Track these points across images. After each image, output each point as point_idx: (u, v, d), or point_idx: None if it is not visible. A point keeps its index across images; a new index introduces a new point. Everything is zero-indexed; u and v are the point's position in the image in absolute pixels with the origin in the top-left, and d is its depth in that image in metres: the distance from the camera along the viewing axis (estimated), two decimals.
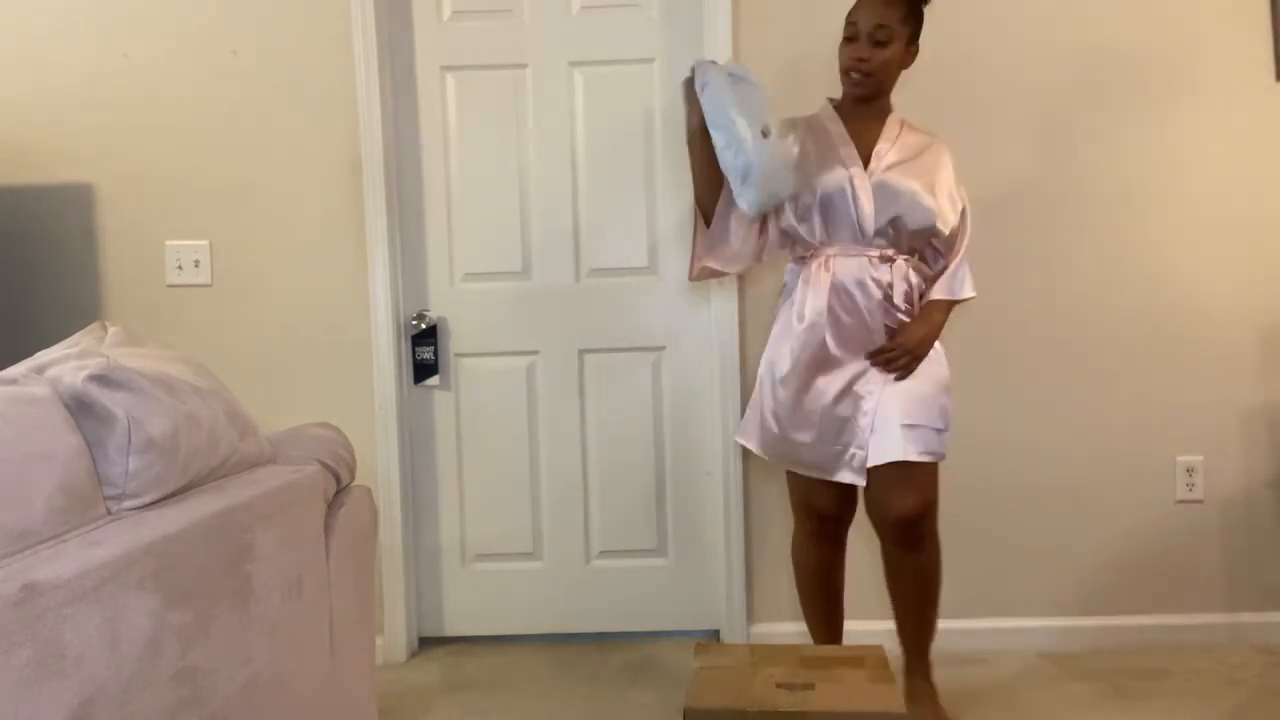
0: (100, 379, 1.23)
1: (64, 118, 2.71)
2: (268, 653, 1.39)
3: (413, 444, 2.83)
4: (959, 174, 2.24)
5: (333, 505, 1.68)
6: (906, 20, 2.13)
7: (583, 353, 2.81)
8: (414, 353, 2.79)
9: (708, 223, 2.24)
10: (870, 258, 2.15)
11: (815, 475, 2.20)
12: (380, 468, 2.74)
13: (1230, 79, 2.65)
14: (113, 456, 1.22)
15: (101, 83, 2.71)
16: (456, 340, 2.81)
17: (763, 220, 2.22)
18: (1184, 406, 2.69)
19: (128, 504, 1.24)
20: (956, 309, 2.23)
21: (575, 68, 2.76)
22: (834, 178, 2.15)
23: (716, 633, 2.84)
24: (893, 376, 2.14)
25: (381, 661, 2.72)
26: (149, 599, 1.13)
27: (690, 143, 2.22)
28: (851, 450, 2.15)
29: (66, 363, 1.29)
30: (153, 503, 1.27)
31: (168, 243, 2.74)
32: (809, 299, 2.17)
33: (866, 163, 2.17)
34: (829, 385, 2.15)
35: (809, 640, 2.38)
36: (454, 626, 2.87)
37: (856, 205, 2.14)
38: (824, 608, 2.34)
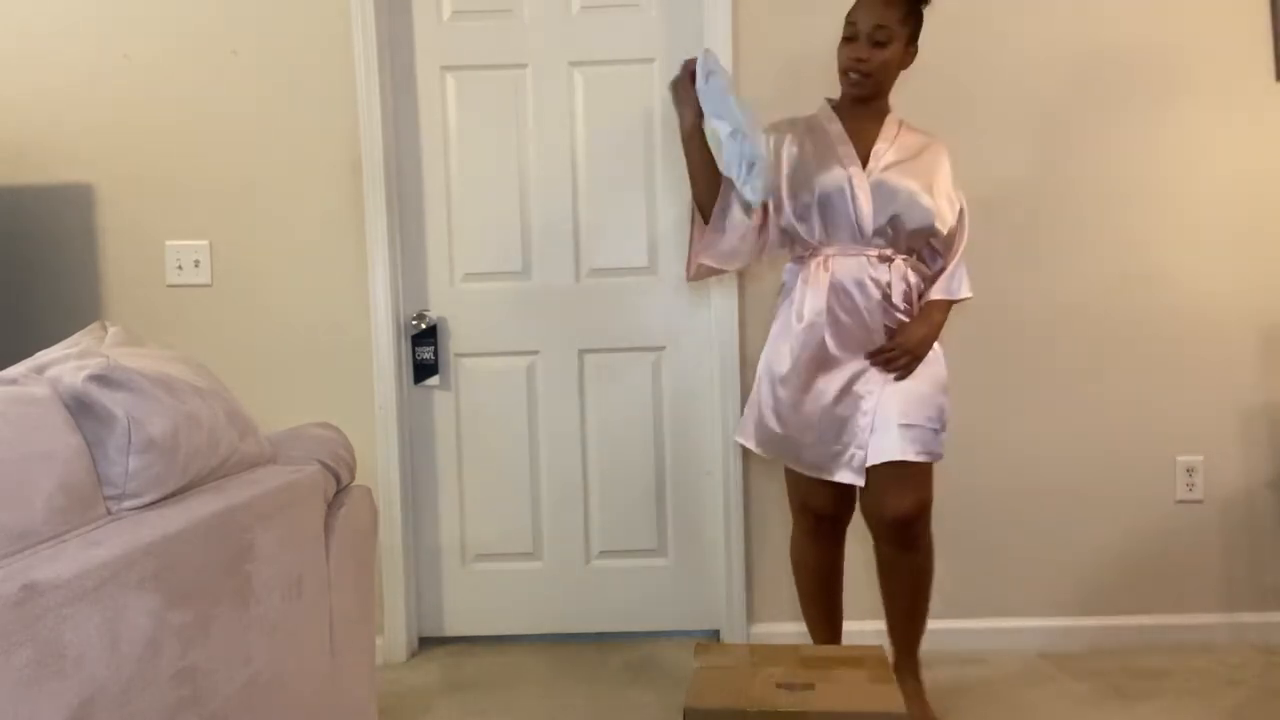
0: (100, 379, 1.23)
1: (64, 118, 2.72)
2: (268, 653, 1.39)
3: (413, 444, 2.83)
4: (958, 174, 2.24)
5: (333, 505, 1.68)
6: (906, 21, 2.13)
7: (583, 353, 2.81)
8: (414, 353, 2.79)
9: (706, 220, 2.24)
10: (869, 257, 2.15)
11: (814, 474, 2.20)
12: (380, 468, 2.74)
13: (1230, 79, 2.65)
14: (113, 456, 1.22)
15: (101, 83, 2.71)
16: (456, 340, 2.81)
17: (762, 218, 2.22)
18: (1184, 406, 2.69)
19: (128, 504, 1.24)
20: (955, 309, 2.23)
21: (575, 68, 2.76)
22: (832, 177, 2.15)
23: (716, 633, 2.84)
24: (892, 376, 2.14)
25: (381, 661, 2.73)
26: (149, 599, 1.13)
27: (686, 142, 2.22)
28: (851, 450, 2.15)
29: (66, 363, 1.29)
30: (153, 503, 1.27)
31: (168, 243, 2.74)
32: (808, 299, 2.17)
33: (865, 163, 2.16)
34: (828, 385, 2.15)
35: (809, 640, 2.39)
36: (454, 626, 2.88)
37: (855, 205, 2.14)
38: (823, 607, 2.35)
